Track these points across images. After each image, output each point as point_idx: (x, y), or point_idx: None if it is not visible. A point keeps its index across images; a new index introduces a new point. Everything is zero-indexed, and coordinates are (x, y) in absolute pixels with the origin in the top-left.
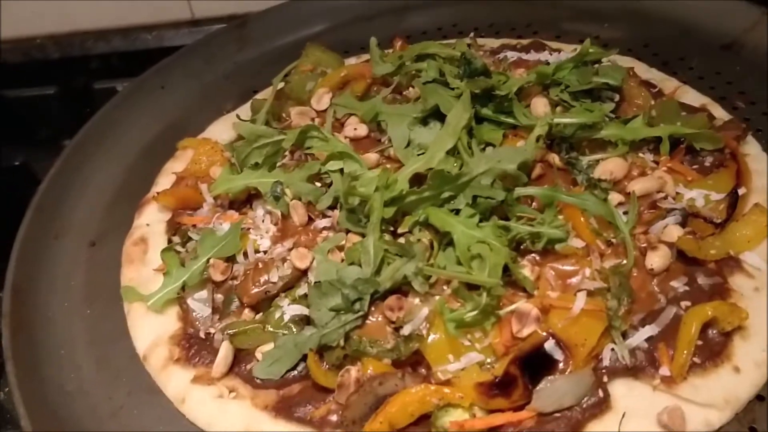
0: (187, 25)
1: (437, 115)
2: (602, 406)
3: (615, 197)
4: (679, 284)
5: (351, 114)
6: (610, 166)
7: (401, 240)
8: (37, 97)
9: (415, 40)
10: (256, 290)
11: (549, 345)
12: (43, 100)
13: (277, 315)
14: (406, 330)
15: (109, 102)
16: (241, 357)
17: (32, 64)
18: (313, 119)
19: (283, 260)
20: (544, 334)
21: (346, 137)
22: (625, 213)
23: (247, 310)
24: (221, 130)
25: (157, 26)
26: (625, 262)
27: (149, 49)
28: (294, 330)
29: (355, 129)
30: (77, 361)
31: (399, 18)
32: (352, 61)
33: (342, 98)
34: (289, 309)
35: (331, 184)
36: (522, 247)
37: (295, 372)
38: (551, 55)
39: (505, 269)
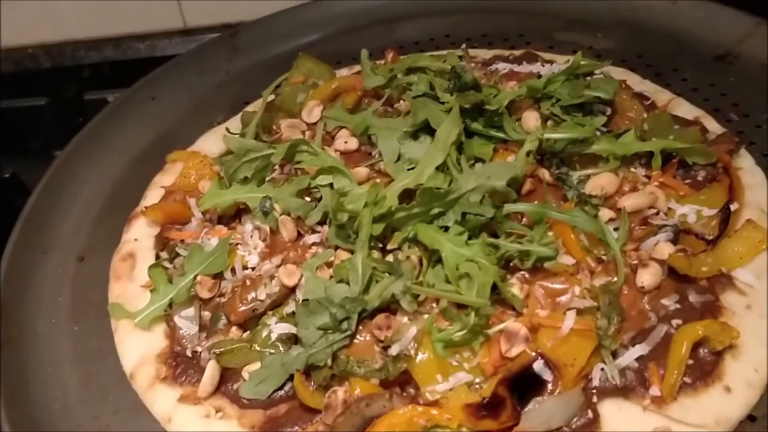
0: (179, 35)
1: (428, 129)
2: (592, 426)
3: (606, 213)
4: (670, 302)
5: (342, 127)
6: (601, 182)
7: (390, 256)
8: (29, 108)
9: (407, 51)
10: (243, 308)
11: (538, 365)
12: (34, 111)
13: (265, 333)
14: (394, 350)
15: (100, 113)
16: (228, 376)
17: (24, 73)
18: (303, 132)
19: (271, 277)
20: (533, 354)
21: (336, 151)
22: (615, 229)
23: (234, 328)
24: (211, 143)
25: (150, 35)
26: (615, 279)
27: (141, 58)
28: (281, 349)
29: (346, 142)
30: (64, 378)
31: (391, 28)
32: (344, 71)
33: (333, 111)
34: (276, 327)
35: (320, 199)
36: (511, 264)
37: (282, 392)
38: (543, 66)
39: (494, 287)
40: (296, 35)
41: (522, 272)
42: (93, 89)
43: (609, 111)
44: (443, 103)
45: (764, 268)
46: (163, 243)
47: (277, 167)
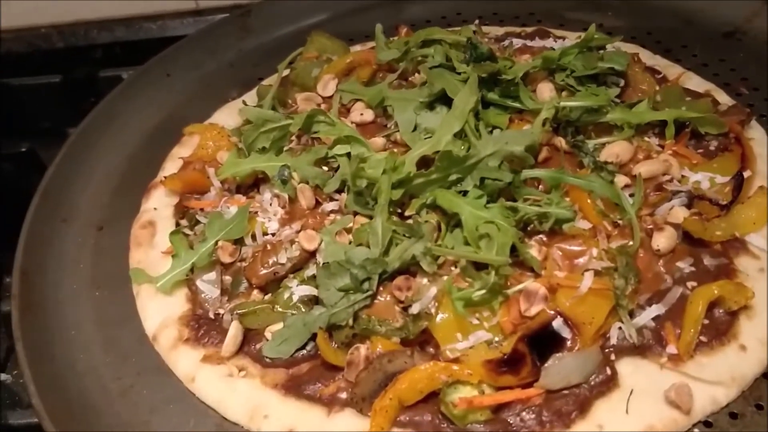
0: (191, 15)
1: (444, 99)
2: (609, 383)
3: (621, 179)
4: (685, 265)
5: (357, 99)
6: (615, 149)
7: (409, 222)
8: (42, 85)
9: (418, 29)
10: (264, 271)
11: (557, 323)
12: (47, 88)
13: (286, 295)
14: (414, 309)
15: (114, 90)
16: (250, 337)
17: (36, 53)
18: (318, 105)
19: (291, 242)
20: (552, 312)
21: (352, 122)
22: (631, 195)
23: (255, 291)
24: (226, 117)
25: (162, 16)
26: (631, 243)
27: (153, 38)
28: (303, 310)
29: (362, 114)
30: (86, 342)
31: (401, 8)
32: (356, 48)
33: (348, 84)
34: (297, 290)
35: (337, 169)
36: (529, 228)
37: (304, 351)
38: (555, 42)
39: (513, 249)
40: (306, 15)
41: (540, 235)
42: (106, 68)
43: (622, 83)
44: (459, 73)
45: None
46: (182, 212)
47: (294, 138)
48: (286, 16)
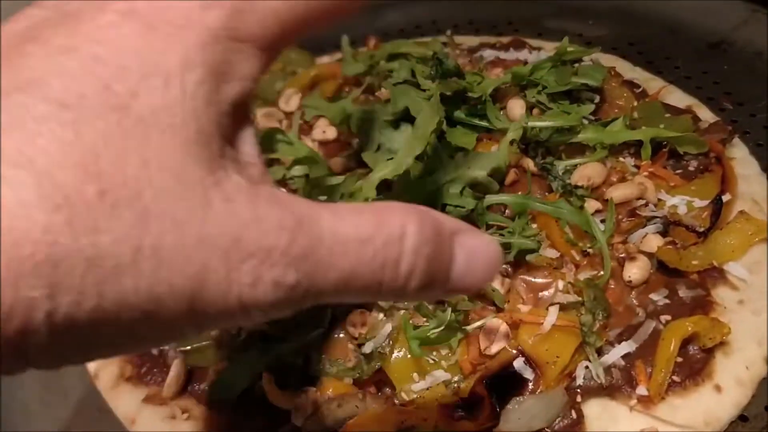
0: None
1: (409, 117)
2: (575, 427)
3: (592, 204)
4: (659, 297)
5: (320, 116)
6: (587, 171)
7: None
8: None
9: (392, 38)
10: None
11: (518, 363)
12: None
13: (233, 332)
14: (367, 348)
15: None
16: (195, 375)
17: None
18: (280, 121)
19: None
20: (514, 351)
21: (314, 140)
22: (602, 221)
23: None
24: None
25: None
26: (602, 273)
27: None
28: (250, 348)
29: (324, 132)
30: (24, 378)
31: (375, 15)
32: (325, 59)
33: (311, 99)
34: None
35: (296, 191)
36: None
37: (252, 392)
38: (531, 53)
39: None
40: None
41: (504, 266)
42: None
43: (597, 99)
44: (425, 90)
45: (757, 261)
46: None
47: None
48: None
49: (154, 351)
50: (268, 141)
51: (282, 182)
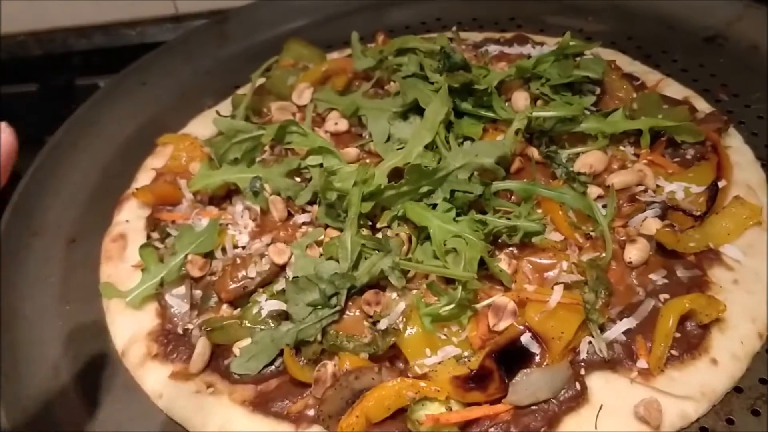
0: (170, 21)
1: (417, 109)
2: (579, 399)
3: (594, 190)
4: (657, 277)
5: (332, 109)
6: (589, 159)
7: (380, 234)
8: (19, 94)
9: (398, 35)
10: (233, 286)
11: (525, 338)
12: (25, 97)
13: (255, 310)
14: (382, 324)
15: (89, 99)
16: (218, 352)
17: (14, 61)
18: (293, 114)
19: (261, 256)
20: (521, 327)
21: (326, 132)
22: (604, 206)
23: (225, 306)
24: (202, 126)
25: (140, 22)
26: (603, 255)
27: (132, 45)
28: (271, 325)
29: (336, 124)
30: (55, 358)
31: (381, 13)
32: (334, 55)
33: (323, 93)
34: (266, 304)
35: (310, 180)
36: (499, 240)
37: (273, 367)
38: (534, 48)
39: (483, 263)
40: (285, 21)
41: (510, 248)
42: (83, 76)
43: (598, 90)
44: (433, 83)
45: (751, 243)
46: (153, 224)
47: (267, 148)
48: (264, 22)
49: (179, 330)
50: (283, 133)
51: (296, 171)
